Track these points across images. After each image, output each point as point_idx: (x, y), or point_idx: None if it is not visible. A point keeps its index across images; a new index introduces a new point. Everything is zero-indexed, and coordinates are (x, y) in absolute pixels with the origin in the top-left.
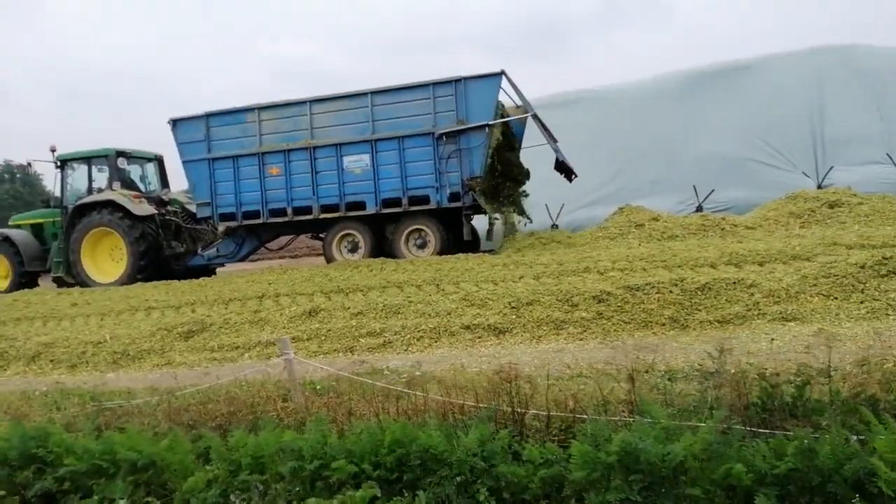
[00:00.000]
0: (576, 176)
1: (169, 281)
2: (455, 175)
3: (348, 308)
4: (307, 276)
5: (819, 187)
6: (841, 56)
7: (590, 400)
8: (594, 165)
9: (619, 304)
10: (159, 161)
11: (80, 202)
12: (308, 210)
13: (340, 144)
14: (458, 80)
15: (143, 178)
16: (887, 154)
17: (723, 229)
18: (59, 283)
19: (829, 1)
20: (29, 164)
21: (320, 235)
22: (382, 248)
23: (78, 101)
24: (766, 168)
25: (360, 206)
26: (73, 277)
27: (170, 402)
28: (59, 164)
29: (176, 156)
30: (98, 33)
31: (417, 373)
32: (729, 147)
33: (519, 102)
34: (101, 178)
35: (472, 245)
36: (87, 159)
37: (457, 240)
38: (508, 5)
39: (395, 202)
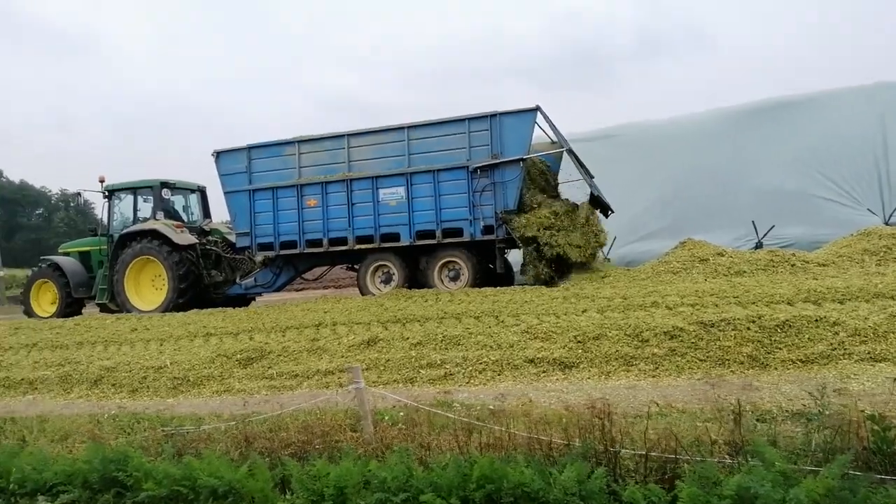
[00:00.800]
0: (612, 212)
1: (225, 308)
2: (489, 208)
3: (407, 338)
4: (362, 306)
5: (886, 224)
6: None
7: (685, 439)
8: (646, 199)
9: (692, 341)
10: (202, 192)
11: (124, 231)
12: (343, 241)
13: (377, 177)
14: (493, 115)
15: (185, 208)
16: None
17: (793, 265)
18: (103, 309)
19: (872, 36)
20: (78, 194)
21: (355, 266)
22: (416, 279)
23: (131, 131)
24: (829, 204)
25: (395, 237)
26: (116, 305)
27: (241, 429)
28: (106, 193)
29: (218, 187)
30: (149, 68)
31: (490, 406)
32: (788, 182)
33: (554, 138)
34: (146, 207)
35: (505, 278)
36: (133, 190)
37: (490, 272)
38: (549, 36)
39: (429, 234)
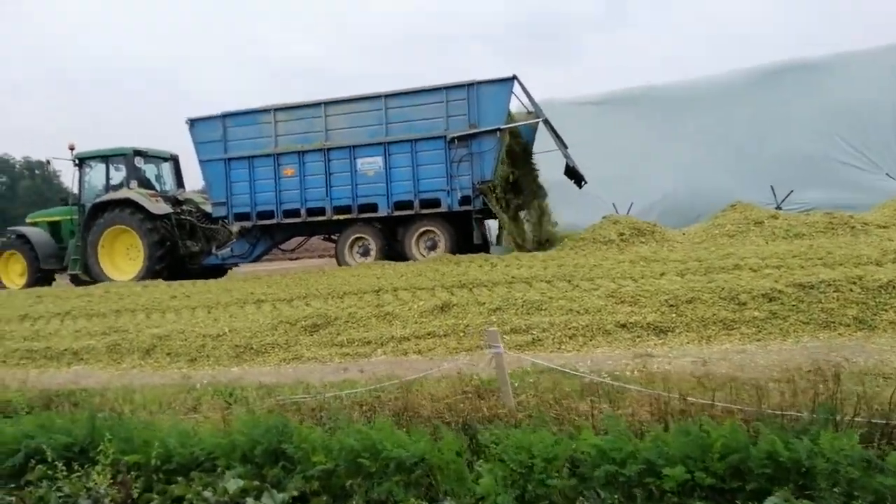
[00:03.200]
0: (585, 182)
1: (270, 274)
2: (466, 179)
3: (483, 303)
4: (418, 271)
5: None
6: None
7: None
8: (662, 164)
9: (793, 304)
10: (175, 161)
11: (97, 200)
12: (322, 211)
13: (354, 147)
14: (470, 85)
15: (158, 177)
16: None
17: (852, 227)
18: (76, 280)
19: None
20: (48, 162)
21: (333, 237)
22: (394, 249)
23: (81, 96)
24: (848, 168)
25: (373, 207)
26: (89, 275)
27: (397, 396)
28: (77, 162)
29: (191, 155)
30: (94, 31)
31: (631, 370)
32: (806, 146)
33: (531, 108)
34: (118, 176)
35: (481, 248)
36: (105, 158)
37: (467, 243)
38: (512, 4)
39: (407, 205)
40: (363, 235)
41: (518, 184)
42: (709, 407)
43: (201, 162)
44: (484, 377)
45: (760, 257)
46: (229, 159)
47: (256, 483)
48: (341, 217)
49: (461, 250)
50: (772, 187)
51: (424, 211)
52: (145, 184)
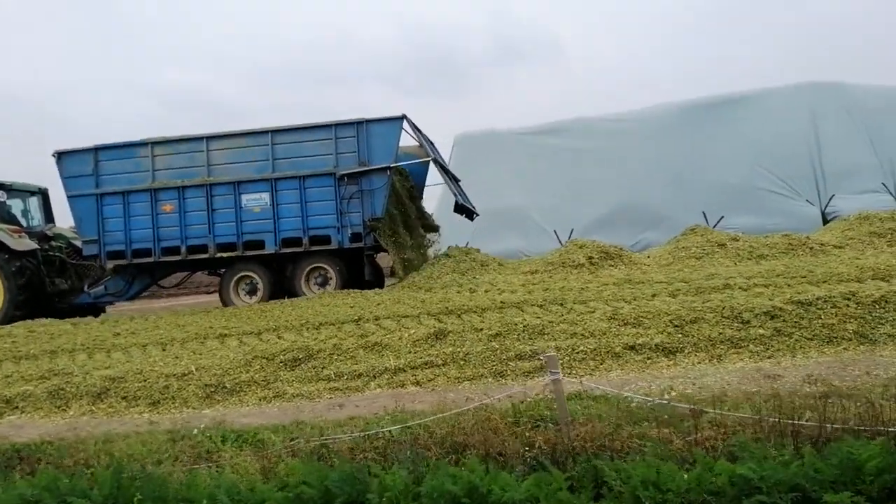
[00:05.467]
0: (477, 215)
1: (232, 307)
2: (357, 216)
3: (480, 329)
4: (396, 298)
5: (823, 214)
6: (833, 92)
7: None
8: (600, 191)
9: (794, 321)
10: (44, 194)
11: None
12: (204, 249)
13: (239, 182)
14: (360, 123)
15: (24, 212)
16: (883, 184)
17: (811, 248)
18: None
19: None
20: None
21: (219, 271)
22: (283, 286)
23: None
24: (772, 195)
25: (259, 245)
26: None
27: (445, 430)
28: None
29: (61, 188)
30: None
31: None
32: (732, 176)
33: (421, 145)
34: None
35: (374, 284)
36: None
37: (358, 278)
38: (402, 41)
39: (296, 242)
40: (249, 273)
41: (407, 221)
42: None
43: (70, 197)
44: (512, 405)
45: (745, 277)
46: (102, 194)
47: None
48: (225, 255)
49: (352, 286)
50: (704, 213)
51: (314, 248)
52: (9, 219)
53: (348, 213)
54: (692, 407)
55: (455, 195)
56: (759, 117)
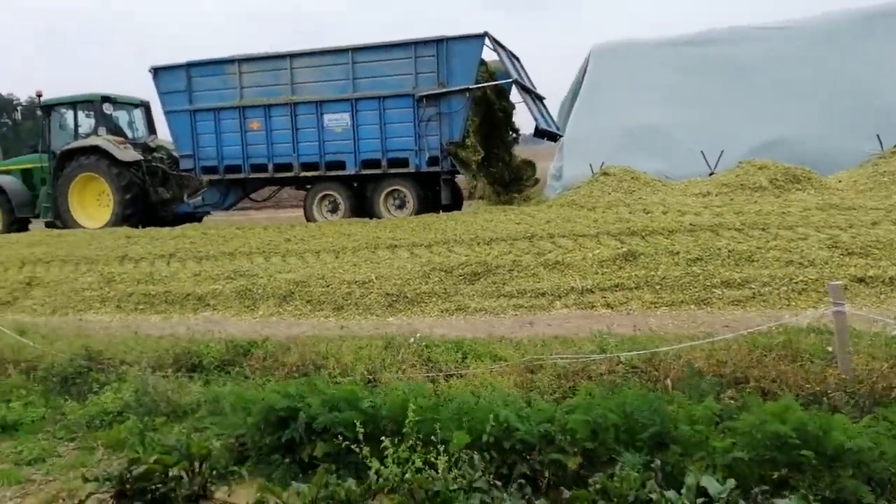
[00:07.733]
0: (561, 135)
1: (385, 218)
2: (434, 139)
3: (677, 252)
4: (565, 216)
5: None
6: None
7: None
8: (757, 111)
9: None
10: (146, 107)
11: (65, 148)
12: (289, 167)
13: (321, 102)
14: (440, 41)
15: (130, 123)
16: None
17: None
18: (50, 227)
19: None
20: (39, 95)
21: (307, 186)
22: (363, 207)
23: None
24: None
25: (340, 165)
26: (61, 222)
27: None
28: (43, 109)
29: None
30: None
31: None
32: None
33: (503, 66)
34: (87, 123)
35: (451, 208)
36: (73, 105)
37: (435, 202)
38: None
39: (375, 163)
40: (331, 192)
41: (490, 137)
42: None
43: (166, 113)
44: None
45: None
46: (195, 111)
47: None
48: (309, 174)
49: (429, 209)
50: (878, 136)
51: (392, 171)
52: (115, 131)
53: (426, 135)
54: None
55: (536, 119)
56: None
